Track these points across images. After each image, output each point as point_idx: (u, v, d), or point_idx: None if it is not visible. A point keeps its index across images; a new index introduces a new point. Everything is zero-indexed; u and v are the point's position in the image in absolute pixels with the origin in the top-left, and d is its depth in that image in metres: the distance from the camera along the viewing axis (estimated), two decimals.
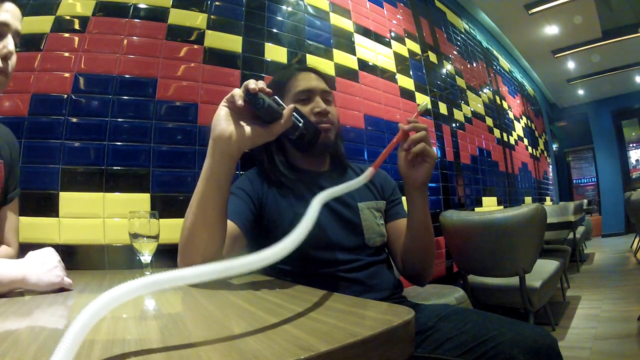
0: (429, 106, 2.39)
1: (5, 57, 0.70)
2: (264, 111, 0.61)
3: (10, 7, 0.72)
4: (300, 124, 0.70)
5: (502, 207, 3.04)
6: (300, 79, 0.94)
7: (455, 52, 2.94)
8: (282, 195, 0.88)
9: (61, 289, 0.62)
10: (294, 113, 0.68)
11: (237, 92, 0.61)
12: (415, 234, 0.84)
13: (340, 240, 0.86)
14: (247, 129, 0.62)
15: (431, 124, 2.29)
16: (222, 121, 0.62)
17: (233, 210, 0.77)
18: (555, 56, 5.19)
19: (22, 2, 0.98)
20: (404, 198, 0.93)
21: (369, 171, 0.73)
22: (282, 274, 0.81)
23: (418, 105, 0.82)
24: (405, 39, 2.28)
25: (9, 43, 0.70)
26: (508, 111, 3.92)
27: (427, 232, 0.84)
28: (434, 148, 0.78)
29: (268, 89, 0.62)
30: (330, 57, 1.72)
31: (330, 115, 0.93)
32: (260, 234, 0.85)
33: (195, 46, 1.31)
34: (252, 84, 0.60)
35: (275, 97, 0.64)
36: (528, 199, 3.92)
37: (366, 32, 1.98)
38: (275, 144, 0.93)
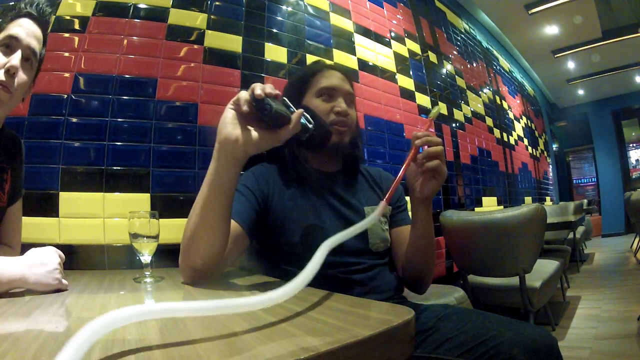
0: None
1: (9, 71, 0.67)
2: (271, 117, 0.59)
3: (25, 23, 0.69)
4: (310, 125, 0.68)
5: (502, 207, 3.04)
6: (326, 75, 0.94)
7: (455, 52, 2.94)
8: (288, 194, 0.87)
9: (58, 290, 0.62)
10: (305, 114, 0.66)
11: (243, 97, 0.59)
12: (417, 243, 0.84)
13: (344, 244, 0.86)
14: (254, 133, 0.60)
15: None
16: (228, 124, 0.60)
17: (236, 209, 0.76)
18: (555, 56, 5.19)
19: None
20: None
21: (381, 206, 0.70)
22: (286, 274, 0.80)
23: (430, 110, 0.78)
24: (405, 39, 2.28)
25: (14, 57, 0.67)
26: (508, 111, 3.91)
27: (428, 243, 0.84)
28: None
29: (276, 92, 0.60)
30: (330, 57, 1.72)
31: (350, 117, 0.92)
32: (264, 233, 0.85)
33: (195, 46, 1.31)
34: (258, 89, 0.58)
35: (285, 99, 0.63)
36: (528, 199, 3.92)
37: (366, 32, 1.98)
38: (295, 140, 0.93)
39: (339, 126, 0.90)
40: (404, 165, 0.75)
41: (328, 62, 1.14)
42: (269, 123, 0.61)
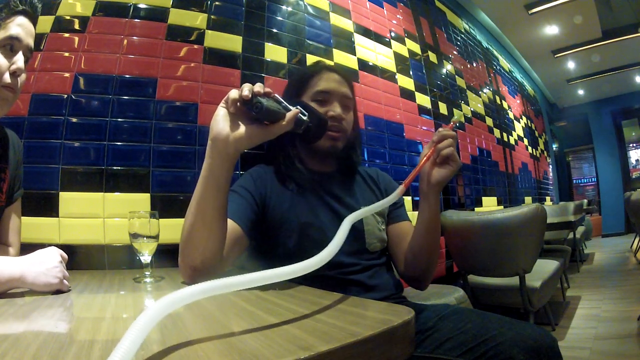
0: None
1: (15, 73, 0.68)
2: (263, 114, 0.60)
3: (23, 21, 0.70)
4: (305, 118, 0.68)
5: (502, 207, 3.04)
6: (323, 78, 0.93)
7: (455, 52, 2.94)
8: (286, 195, 0.87)
9: (58, 291, 0.62)
10: (299, 107, 0.67)
11: (232, 97, 0.61)
12: (423, 232, 0.83)
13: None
14: (245, 129, 0.61)
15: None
16: (220, 122, 0.61)
17: (235, 210, 0.77)
18: (555, 56, 5.19)
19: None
20: (411, 201, 0.92)
21: (400, 189, 0.76)
22: None
23: (452, 118, 0.83)
24: (405, 39, 2.28)
25: (19, 60, 0.69)
26: (508, 111, 3.91)
27: (434, 232, 0.83)
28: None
29: (267, 90, 0.61)
30: (330, 57, 1.72)
31: (344, 122, 0.92)
32: (263, 233, 0.85)
33: (195, 46, 1.31)
34: (245, 90, 0.59)
35: (276, 95, 0.64)
36: (528, 199, 3.92)
37: (366, 32, 1.98)
38: (290, 140, 0.93)
39: (332, 132, 0.90)
40: (425, 158, 0.78)
41: (328, 62, 1.13)
42: (262, 120, 0.62)
